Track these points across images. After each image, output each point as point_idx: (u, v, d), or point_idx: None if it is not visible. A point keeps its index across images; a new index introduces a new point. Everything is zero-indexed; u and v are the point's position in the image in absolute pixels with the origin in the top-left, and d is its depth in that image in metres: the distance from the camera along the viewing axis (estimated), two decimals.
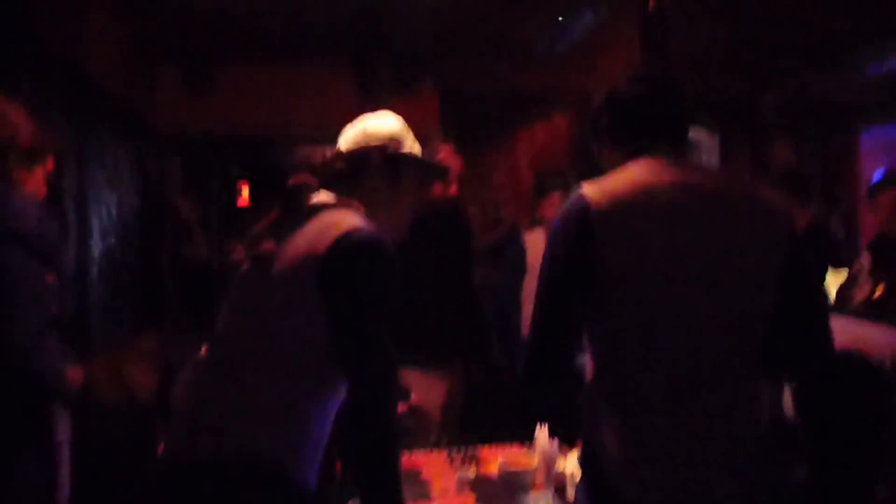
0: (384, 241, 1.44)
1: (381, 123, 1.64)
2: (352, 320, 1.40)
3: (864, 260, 2.98)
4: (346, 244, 1.40)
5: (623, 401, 1.32)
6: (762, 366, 1.37)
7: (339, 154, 1.61)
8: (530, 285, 3.53)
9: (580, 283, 1.32)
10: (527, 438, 2.29)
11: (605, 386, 1.35)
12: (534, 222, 3.65)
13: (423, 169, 1.73)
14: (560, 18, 4.21)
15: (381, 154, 1.59)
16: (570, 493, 1.91)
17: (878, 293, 2.76)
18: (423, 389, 2.95)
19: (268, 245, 1.46)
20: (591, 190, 1.33)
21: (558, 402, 1.45)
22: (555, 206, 3.46)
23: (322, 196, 1.53)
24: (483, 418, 3.36)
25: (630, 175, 1.35)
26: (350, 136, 1.62)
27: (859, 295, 2.79)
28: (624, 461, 1.29)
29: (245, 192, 5.59)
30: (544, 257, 1.37)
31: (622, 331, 1.32)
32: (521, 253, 3.56)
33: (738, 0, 3.87)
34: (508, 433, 2.43)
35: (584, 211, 1.31)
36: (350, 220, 1.46)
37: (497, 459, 2.12)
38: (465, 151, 5.02)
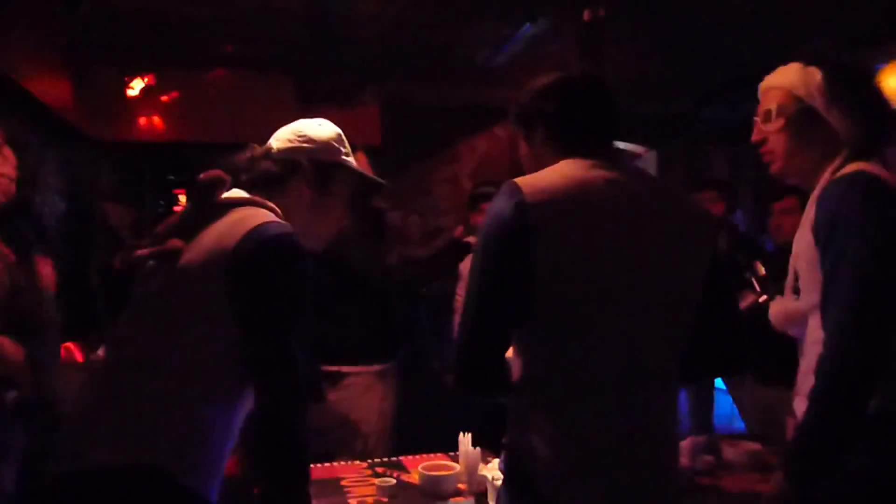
0: (296, 240, 1.38)
1: (316, 127, 1.59)
2: (258, 320, 1.34)
3: (758, 268, 3.08)
4: (256, 240, 1.34)
5: (552, 401, 1.29)
6: (683, 370, 1.39)
7: (268, 153, 1.56)
8: (461, 293, 3.59)
9: (514, 279, 1.26)
10: (453, 448, 2.27)
11: (533, 386, 1.31)
12: (467, 231, 3.70)
13: (358, 180, 1.66)
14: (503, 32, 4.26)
15: (311, 159, 1.55)
16: (491, 498, 1.88)
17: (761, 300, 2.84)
18: (360, 390, 2.94)
19: (174, 242, 1.39)
20: (525, 184, 1.28)
21: (491, 407, 1.41)
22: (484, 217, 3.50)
23: (234, 193, 1.48)
24: (413, 426, 3.35)
25: (564, 171, 1.32)
26: (282, 136, 1.58)
27: (743, 301, 2.89)
28: (551, 463, 1.27)
29: (182, 199, 5.46)
30: (476, 254, 1.32)
31: (553, 329, 1.28)
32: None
33: (675, 15, 3.97)
34: (435, 441, 2.42)
35: (520, 205, 1.25)
36: (262, 217, 1.40)
37: (418, 466, 2.09)
38: (407, 162, 5.05)
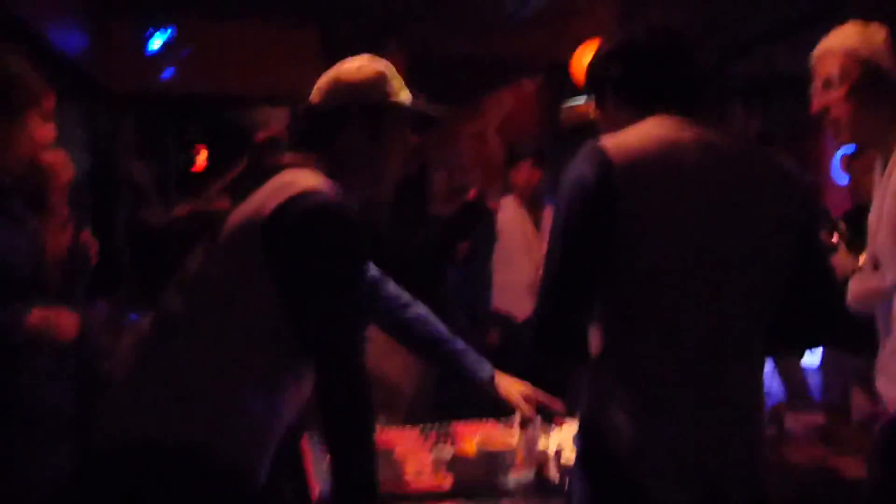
0: (339, 205, 1.29)
1: (355, 70, 1.45)
2: (303, 295, 1.26)
3: (840, 231, 2.94)
4: (294, 207, 1.25)
5: (638, 378, 1.23)
6: (776, 339, 1.31)
7: (310, 108, 1.44)
8: (500, 253, 3.51)
9: (599, 244, 1.19)
10: (502, 414, 2.19)
11: (618, 362, 1.25)
12: (505, 189, 3.60)
13: (412, 117, 1.51)
14: None
15: (359, 106, 1.42)
16: (553, 472, 1.82)
17: (861, 262, 2.73)
18: (393, 357, 2.89)
19: (220, 203, 1.32)
20: (611, 144, 1.20)
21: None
22: (525, 174, 3.42)
23: (287, 156, 1.39)
24: (456, 393, 3.30)
25: (649, 130, 1.23)
26: (322, 86, 1.45)
27: (843, 269, 2.75)
28: (636, 443, 1.20)
29: (203, 154, 5.41)
30: (557, 216, 1.23)
31: (637, 298, 1.21)
32: (490, 220, 3.51)
33: None
34: (481, 409, 2.36)
35: (605, 166, 1.17)
36: (306, 180, 1.30)
37: (474, 437, 2.00)
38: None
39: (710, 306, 1.22)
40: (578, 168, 1.21)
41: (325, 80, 1.46)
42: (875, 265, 1.50)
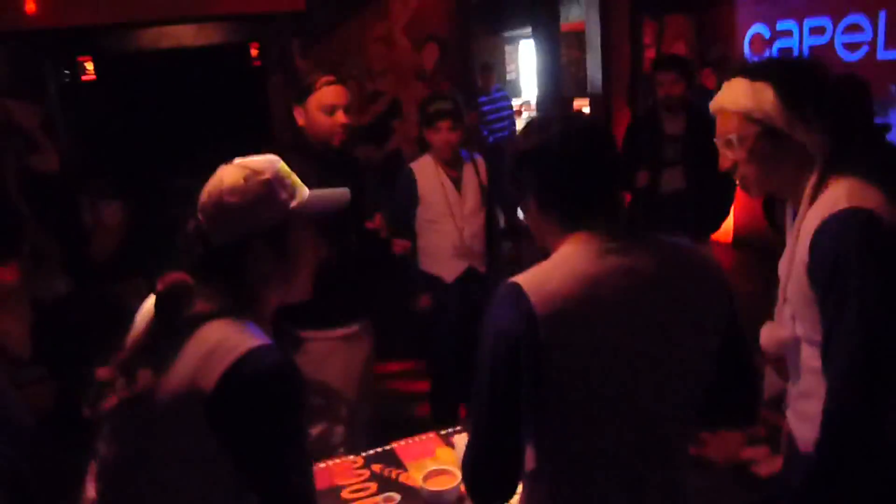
0: (279, 363, 1.24)
1: (244, 189, 1.32)
2: (259, 462, 1.24)
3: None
4: (236, 380, 1.20)
5: (569, 494, 1.32)
6: (705, 420, 1.42)
7: (204, 242, 1.32)
8: (423, 215, 3.42)
9: (524, 390, 1.24)
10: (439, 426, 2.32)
11: (549, 479, 1.33)
12: (421, 149, 3.49)
13: (316, 213, 1.43)
14: None
15: (258, 233, 1.33)
16: None
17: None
18: (334, 363, 2.78)
19: (144, 377, 1.24)
20: (533, 292, 1.22)
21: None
22: (443, 135, 3.30)
23: (200, 302, 1.28)
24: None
25: (570, 266, 1.26)
26: (211, 212, 1.32)
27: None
28: None
29: (89, 66, 4.96)
30: (482, 364, 1.27)
31: (567, 423, 1.28)
32: (411, 183, 3.41)
33: None
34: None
35: (530, 320, 1.21)
36: (235, 339, 1.24)
37: (418, 465, 2.12)
38: (336, 23, 4.66)
39: (637, 424, 1.29)
40: (502, 319, 1.24)
41: (210, 204, 1.32)
42: (791, 315, 1.59)
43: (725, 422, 1.64)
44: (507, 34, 12.30)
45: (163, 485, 1.27)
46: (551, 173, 1.31)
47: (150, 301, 1.40)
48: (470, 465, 1.32)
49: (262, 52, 4.86)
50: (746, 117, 1.54)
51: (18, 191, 3.92)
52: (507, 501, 1.36)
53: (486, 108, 7.17)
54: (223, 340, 1.24)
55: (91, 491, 1.37)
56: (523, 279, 1.25)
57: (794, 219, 1.61)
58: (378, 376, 3.30)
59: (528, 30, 11.60)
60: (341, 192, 1.52)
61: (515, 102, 9.97)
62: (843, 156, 1.50)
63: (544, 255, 1.35)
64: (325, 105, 2.65)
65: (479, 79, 6.32)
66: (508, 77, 12.95)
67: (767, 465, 1.92)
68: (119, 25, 4.32)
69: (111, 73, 5.28)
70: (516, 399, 1.24)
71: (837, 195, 1.47)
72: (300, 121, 2.71)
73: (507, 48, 13.23)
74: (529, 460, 1.33)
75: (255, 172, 1.36)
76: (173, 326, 1.27)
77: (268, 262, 1.35)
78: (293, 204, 1.38)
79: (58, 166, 4.08)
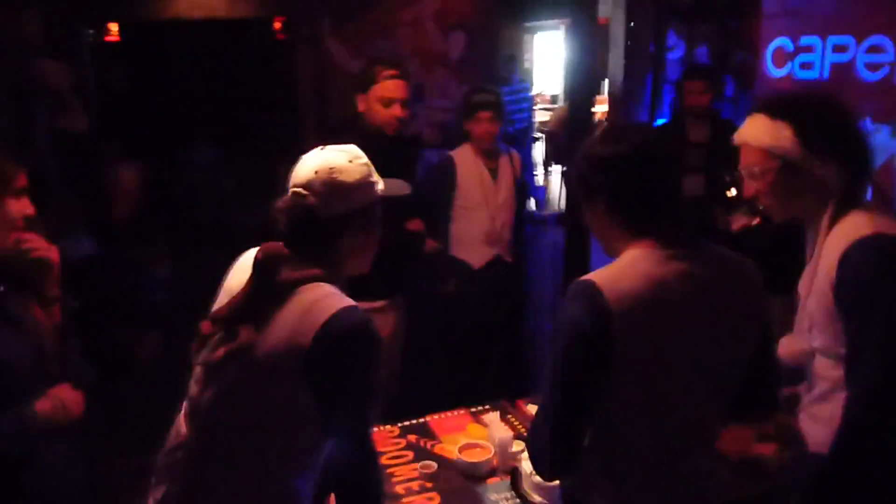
0: (367, 325, 1.40)
1: (348, 166, 1.48)
2: (343, 409, 1.41)
3: (739, 188, 2.99)
4: (330, 335, 1.36)
5: (618, 472, 1.44)
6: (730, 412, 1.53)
7: (311, 213, 1.45)
8: (458, 202, 3.50)
9: (596, 381, 1.35)
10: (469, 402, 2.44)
11: (601, 457, 1.45)
12: (463, 138, 3.58)
13: (391, 202, 1.61)
14: None
15: (357, 209, 1.49)
16: (525, 485, 2.02)
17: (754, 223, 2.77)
18: None
19: (245, 334, 1.39)
20: (607, 289, 1.32)
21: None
22: (484, 126, 3.40)
23: (293, 268, 1.43)
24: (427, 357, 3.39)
25: (641, 269, 1.36)
26: (319, 188, 1.45)
27: (738, 222, 2.81)
28: None
29: (113, 28, 5.00)
30: (556, 356, 1.37)
31: (622, 411, 1.39)
32: (452, 170, 3.51)
33: None
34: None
35: (604, 316, 1.30)
36: (328, 301, 1.39)
37: (451, 438, 2.25)
38: (366, 4, 4.70)
39: (686, 415, 1.43)
40: (577, 314, 1.34)
41: (319, 181, 1.46)
42: (809, 328, 1.71)
43: (746, 416, 1.74)
44: (528, 24, 12.28)
45: (254, 429, 1.44)
46: (627, 181, 1.40)
47: (241, 263, 1.58)
48: (540, 443, 1.44)
49: (289, 27, 4.90)
50: (768, 153, 1.67)
51: (47, 150, 3.98)
52: (569, 474, 1.50)
53: (507, 98, 7.21)
54: (318, 301, 1.40)
55: (183, 428, 1.50)
56: (598, 277, 1.35)
57: (812, 242, 1.74)
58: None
59: (552, 21, 11.60)
60: (403, 184, 1.69)
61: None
62: (858, 187, 1.64)
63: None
64: (384, 97, 2.74)
65: (502, 69, 6.36)
66: (525, 66, 12.93)
67: (775, 460, 2.02)
68: None
69: (135, 37, 5.32)
70: (587, 387, 1.36)
71: (859, 222, 1.60)
72: (361, 107, 2.80)
73: (525, 37, 13.21)
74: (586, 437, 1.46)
75: (357, 156, 1.52)
76: (271, 289, 1.41)
77: (358, 236, 1.52)
78: (379, 188, 1.55)
79: (86, 127, 4.13)
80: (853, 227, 1.60)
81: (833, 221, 1.65)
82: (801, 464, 1.75)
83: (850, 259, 1.57)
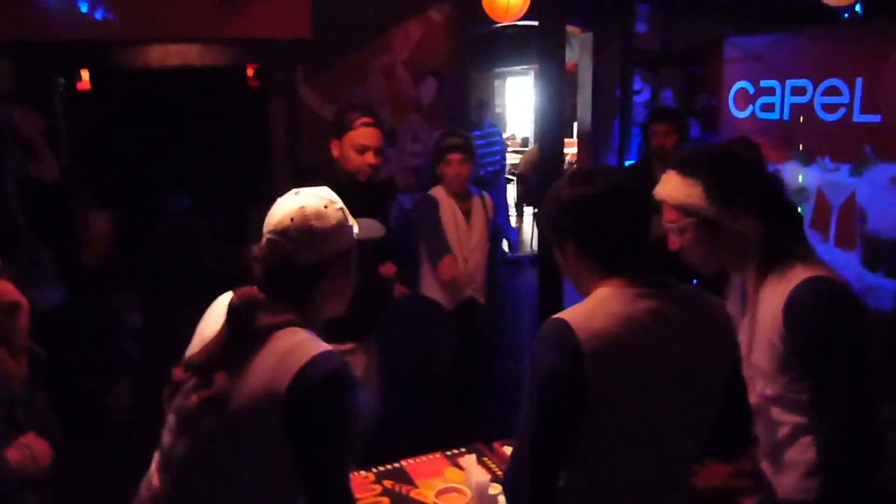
0: (343, 368, 1.38)
1: (324, 212, 1.48)
2: (318, 455, 1.38)
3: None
4: (307, 381, 1.34)
5: None
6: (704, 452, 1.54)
7: (288, 263, 1.45)
8: (429, 241, 3.53)
9: (570, 423, 1.36)
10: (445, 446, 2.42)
11: (577, 496, 1.43)
12: (435, 181, 3.64)
13: (363, 246, 1.63)
14: None
15: (338, 256, 1.49)
16: None
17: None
18: None
19: (220, 381, 1.36)
20: (580, 328, 1.33)
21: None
22: (455, 168, 3.45)
23: (269, 314, 1.42)
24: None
25: (612, 308, 1.38)
26: (296, 236, 1.45)
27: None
28: None
29: (85, 76, 4.99)
30: (530, 397, 1.38)
31: (596, 451, 1.39)
32: (435, 208, 3.54)
33: None
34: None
35: (576, 357, 1.31)
36: (305, 346, 1.38)
37: (428, 483, 2.22)
38: (339, 52, 4.77)
39: (659, 454, 1.44)
40: (550, 354, 1.35)
41: (295, 227, 1.46)
42: (755, 380, 1.71)
43: (719, 453, 1.75)
44: (498, 70, 12.53)
45: (230, 480, 1.39)
46: (595, 223, 1.42)
47: (216, 309, 1.56)
48: (517, 485, 1.43)
49: (262, 75, 4.95)
50: (682, 210, 1.69)
51: (17, 199, 3.94)
52: None
53: (479, 142, 7.32)
54: (294, 347, 1.38)
55: (155, 480, 1.46)
56: (570, 316, 1.36)
57: (742, 292, 1.77)
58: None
59: (521, 67, 11.85)
60: (377, 225, 1.66)
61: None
62: (777, 237, 1.65)
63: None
64: (358, 144, 2.77)
65: (473, 113, 6.46)
66: (496, 111, 13.15)
67: (752, 497, 2.02)
68: (120, 42, 4.37)
69: (107, 85, 5.33)
70: (561, 427, 1.36)
71: (794, 271, 1.61)
72: (335, 152, 2.83)
73: (496, 83, 13.47)
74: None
75: (332, 201, 1.52)
76: (246, 335, 1.39)
77: (336, 280, 1.51)
78: (356, 230, 1.56)
79: (57, 175, 4.11)
80: (788, 276, 1.61)
81: (761, 274, 1.67)
82: None
83: (796, 305, 1.57)
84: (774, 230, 1.65)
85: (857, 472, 1.55)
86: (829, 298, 1.56)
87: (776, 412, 1.69)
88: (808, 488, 1.64)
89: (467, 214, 3.58)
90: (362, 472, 2.31)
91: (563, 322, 1.34)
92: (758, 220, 1.64)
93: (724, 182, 1.64)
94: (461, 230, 3.54)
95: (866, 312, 1.60)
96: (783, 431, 1.68)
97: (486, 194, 3.74)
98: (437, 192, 3.58)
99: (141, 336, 3.68)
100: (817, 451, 1.62)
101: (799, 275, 1.59)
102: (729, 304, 1.83)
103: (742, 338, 1.73)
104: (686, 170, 1.67)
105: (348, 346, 2.92)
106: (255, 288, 1.47)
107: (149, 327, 3.78)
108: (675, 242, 1.75)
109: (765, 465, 1.78)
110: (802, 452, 1.64)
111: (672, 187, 1.70)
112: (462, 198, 3.58)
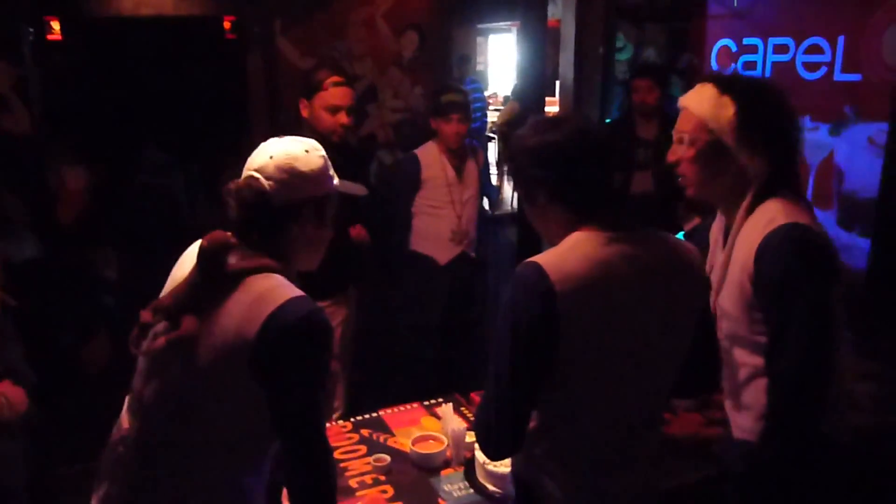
0: (315, 312, 1.36)
1: (306, 157, 1.46)
2: (289, 399, 1.36)
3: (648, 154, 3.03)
4: (276, 329, 1.31)
5: (567, 455, 1.48)
6: (674, 391, 1.57)
7: (263, 199, 1.42)
8: (424, 200, 3.52)
9: (542, 363, 1.37)
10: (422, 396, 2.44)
11: (549, 441, 1.48)
12: (430, 135, 3.61)
13: (344, 197, 1.61)
14: None
15: (310, 198, 1.47)
16: (479, 475, 2.03)
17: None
18: None
19: (188, 324, 1.34)
20: (551, 269, 1.34)
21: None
22: (454, 127, 3.42)
23: (240, 258, 1.40)
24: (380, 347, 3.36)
25: (584, 251, 1.38)
26: (275, 174, 1.43)
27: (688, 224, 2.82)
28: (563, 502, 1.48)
29: (55, 26, 4.85)
30: (501, 338, 1.38)
31: (569, 391, 1.41)
32: (416, 169, 3.52)
33: None
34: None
35: (549, 297, 1.32)
36: (277, 291, 1.36)
37: (405, 431, 2.25)
38: (318, 4, 4.67)
39: (631, 393, 1.46)
40: (522, 295, 1.35)
41: (274, 165, 1.43)
42: (721, 318, 1.74)
43: (690, 394, 1.80)
44: (480, 26, 12.36)
45: (199, 423, 1.39)
46: (565, 169, 1.42)
47: (188, 254, 1.55)
48: (485, 422, 1.44)
49: (239, 27, 4.84)
50: (703, 123, 1.66)
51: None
52: (514, 454, 1.53)
53: None
54: (268, 290, 1.36)
55: (125, 422, 1.46)
56: (542, 259, 1.37)
57: (725, 230, 1.76)
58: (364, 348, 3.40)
59: (504, 24, 11.69)
60: (360, 186, 1.67)
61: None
62: (777, 181, 1.65)
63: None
64: (330, 104, 2.73)
65: (454, 69, 6.38)
66: (478, 69, 13.01)
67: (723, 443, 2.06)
68: None
69: (79, 36, 5.18)
70: (532, 366, 1.37)
71: (773, 213, 1.61)
72: (304, 112, 2.79)
73: (479, 39, 13.29)
74: (532, 418, 1.47)
75: (315, 148, 1.51)
76: (216, 278, 1.37)
77: (308, 228, 1.49)
78: (335, 182, 1.54)
79: (29, 128, 4.02)
80: (767, 218, 1.62)
81: (749, 211, 1.66)
82: (729, 450, 1.79)
83: (766, 252, 1.59)
84: (775, 175, 1.64)
85: (801, 416, 1.58)
86: (800, 243, 1.57)
87: (738, 353, 1.72)
88: (761, 430, 1.68)
89: (459, 171, 3.57)
90: (340, 422, 2.34)
91: (535, 265, 1.35)
92: (768, 160, 1.63)
93: (757, 113, 1.62)
94: (454, 186, 3.53)
95: (837, 263, 1.62)
96: (743, 372, 1.72)
97: (479, 149, 3.75)
98: (430, 148, 3.56)
99: (117, 290, 3.64)
100: (766, 392, 1.65)
101: (778, 218, 1.60)
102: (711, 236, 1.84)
103: (714, 277, 1.75)
104: (725, 87, 1.64)
105: (326, 302, 2.92)
106: (228, 233, 1.45)
107: (125, 281, 3.75)
108: (675, 153, 1.72)
109: (727, 405, 1.82)
110: (759, 394, 1.68)
111: (703, 98, 1.66)
112: (456, 154, 3.56)
